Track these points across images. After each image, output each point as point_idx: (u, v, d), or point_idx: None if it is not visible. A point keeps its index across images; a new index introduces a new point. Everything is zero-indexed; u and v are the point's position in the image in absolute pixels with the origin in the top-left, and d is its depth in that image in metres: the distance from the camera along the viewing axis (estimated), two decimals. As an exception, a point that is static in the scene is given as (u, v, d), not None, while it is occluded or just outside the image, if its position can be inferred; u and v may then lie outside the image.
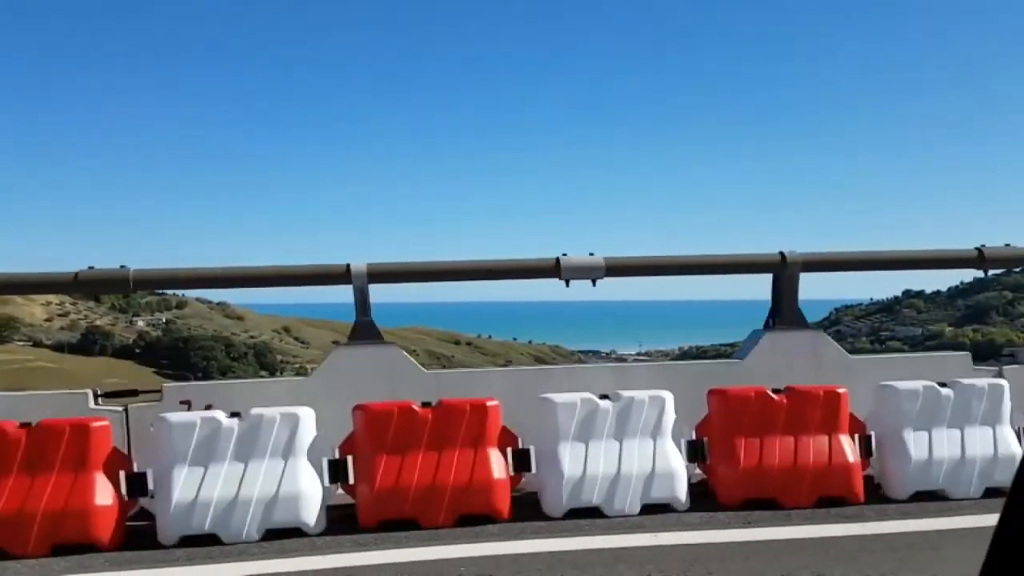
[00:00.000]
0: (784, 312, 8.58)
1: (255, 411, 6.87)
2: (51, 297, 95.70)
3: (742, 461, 7.24)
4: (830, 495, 7.27)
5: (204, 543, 6.57)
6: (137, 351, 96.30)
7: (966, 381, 7.76)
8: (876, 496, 7.44)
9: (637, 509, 7.11)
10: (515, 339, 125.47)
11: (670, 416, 7.35)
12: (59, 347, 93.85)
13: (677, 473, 7.22)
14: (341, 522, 6.95)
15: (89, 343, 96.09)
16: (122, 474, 6.69)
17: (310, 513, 6.76)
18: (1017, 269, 8.66)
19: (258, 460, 6.77)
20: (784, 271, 8.54)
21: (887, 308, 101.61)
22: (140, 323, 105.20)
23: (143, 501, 6.84)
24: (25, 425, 6.56)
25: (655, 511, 7.13)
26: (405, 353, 8.25)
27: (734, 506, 7.19)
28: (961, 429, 7.55)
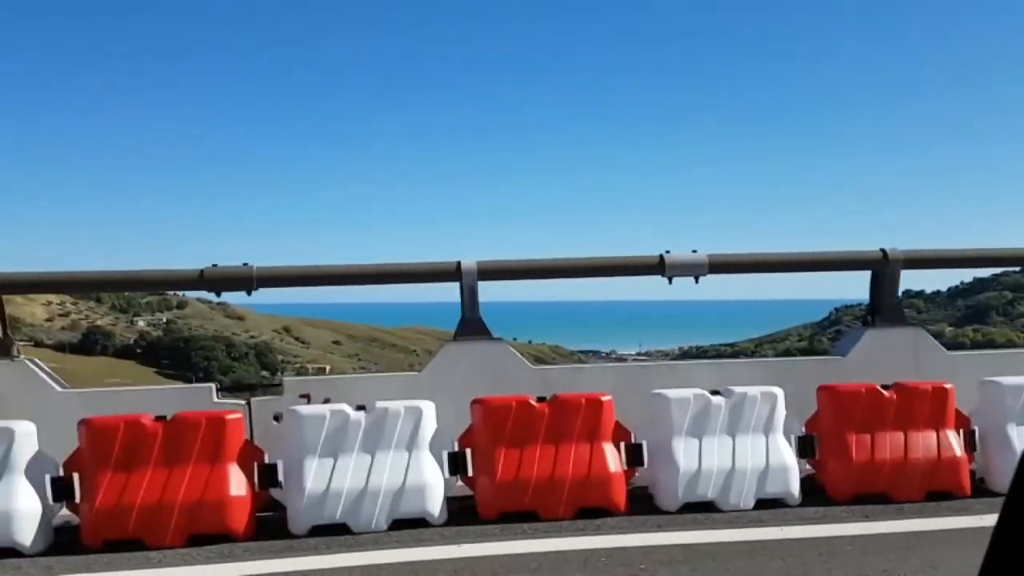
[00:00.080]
0: (884, 310, 8.69)
1: (380, 404, 6.96)
2: (52, 297, 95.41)
3: (854, 456, 7.35)
4: (939, 489, 7.38)
5: (333, 533, 6.66)
6: (138, 351, 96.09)
7: None
8: (980, 490, 7.57)
9: (751, 504, 7.21)
10: (515, 339, 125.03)
11: (781, 412, 7.45)
12: (60, 347, 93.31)
13: (790, 468, 7.32)
14: (460, 514, 7.04)
15: (90, 343, 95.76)
16: (255, 465, 6.77)
17: (435, 504, 6.86)
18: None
19: (384, 452, 6.87)
20: (885, 268, 8.65)
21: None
22: (141, 323, 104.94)
23: (273, 492, 6.92)
24: (160, 418, 6.63)
25: (768, 506, 7.24)
26: (513, 349, 8.34)
27: (845, 501, 7.29)
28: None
